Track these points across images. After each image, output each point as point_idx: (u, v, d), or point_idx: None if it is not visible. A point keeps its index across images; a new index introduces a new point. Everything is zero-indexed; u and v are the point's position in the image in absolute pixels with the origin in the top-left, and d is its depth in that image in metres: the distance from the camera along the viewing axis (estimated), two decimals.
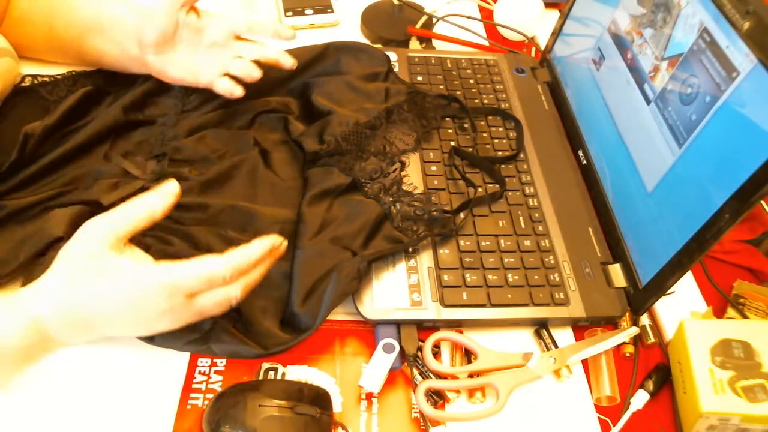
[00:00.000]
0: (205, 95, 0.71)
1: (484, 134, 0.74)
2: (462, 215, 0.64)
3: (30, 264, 0.55)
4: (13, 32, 0.71)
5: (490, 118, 0.76)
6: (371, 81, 0.75)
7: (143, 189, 0.62)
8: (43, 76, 0.72)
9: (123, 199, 0.59)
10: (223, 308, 0.49)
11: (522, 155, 0.72)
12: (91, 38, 0.70)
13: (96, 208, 0.59)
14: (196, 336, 0.52)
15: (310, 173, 0.65)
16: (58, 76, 0.72)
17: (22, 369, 0.47)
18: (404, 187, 0.65)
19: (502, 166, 0.70)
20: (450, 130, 0.74)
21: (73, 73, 0.73)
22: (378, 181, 0.64)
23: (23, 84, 0.71)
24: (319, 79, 0.74)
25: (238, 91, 0.69)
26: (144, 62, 0.69)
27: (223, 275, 0.47)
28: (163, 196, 0.49)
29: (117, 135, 0.67)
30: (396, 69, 0.80)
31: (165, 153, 0.65)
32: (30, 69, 0.73)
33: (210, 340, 0.53)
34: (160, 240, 0.58)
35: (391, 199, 0.63)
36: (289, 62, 0.70)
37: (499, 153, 0.72)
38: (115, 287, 0.46)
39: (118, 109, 0.67)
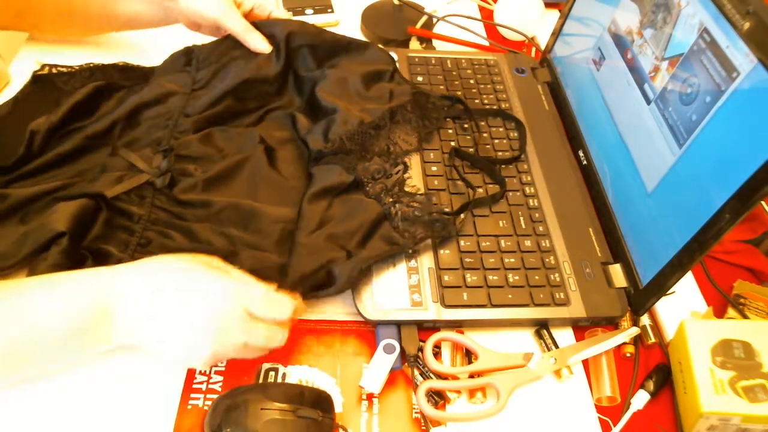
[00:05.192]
0: (214, 68, 0.72)
1: (485, 134, 0.74)
2: (462, 217, 0.63)
3: (33, 258, 0.55)
4: (35, 6, 0.72)
5: (490, 118, 0.76)
6: (376, 80, 0.75)
7: (148, 183, 0.62)
8: (60, 66, 0.73)
9: (127, 193, 0.60)
10: (263, 352, 0.52)
11: (522, 155, 0.72)
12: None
13: (100, 201, 0.59)
14: None
15: (314, 171, 0.65)
16: (76, 67, 0.73)
17: (70, 355, 0.48)
18: (406, 189, 0.65)
19: (503, 166, 0.70)
20: (450, 131, 0.74)
21: (91, 65, 0.74)
22: (380, 181, 0.64)
23: (41, 72, 0.72)
24: (324, 72, 0.74)
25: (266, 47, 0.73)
26: (176, 5, 0.71)
27: (284, 307, 0.50)
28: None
29: (126, 124, 0.68)
30: None
31: (172, 148, 0.65)
32: (49, 58, 0.75)
33: None
34: (161, 234, 0.59)
35: (391, 199, 0.63)
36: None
37: (500, 153, 0.72)
38: (191, 279, 0.48)
39: (127, 109, 0.68)
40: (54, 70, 0.73)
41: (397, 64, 0.81)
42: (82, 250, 0.56)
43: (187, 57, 0.74)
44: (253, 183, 0.64)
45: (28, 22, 0.73)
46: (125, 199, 0.60)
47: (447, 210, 0.64)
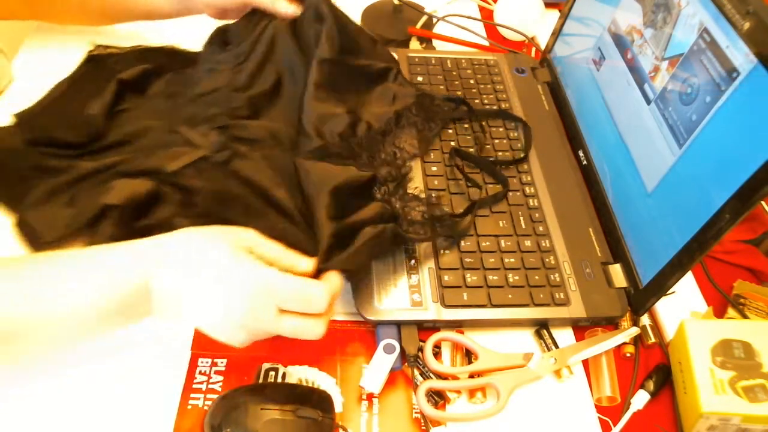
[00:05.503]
0: (251, 40, 0.73)
1: (485, 134, 0.74)
2: (469, 218, 0.63)
3: (84, 231, 0.56)
4: None
5: (490, 118, 0.76)
6: (382, 78, 0.74)
7: (204, 159, 0.62)
8: (111, 47, 0.75)
9: (184, 167, 0.61)
10: (296, 337, 0.50)
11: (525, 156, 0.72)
12: None
13: (157, 177, 0.60)
14: None
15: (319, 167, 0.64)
16: (127, 49, 0.75)
17: (113, 325, 0.47)
18: (409, 191, 0.64)
19: (502, 166, 0.70)
20: (450, 131, 0.74)
21: (140, 47, 0.76)
22: (387, 184, 0.64)
23: (94, 52, 0.74)
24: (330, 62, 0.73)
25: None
26: None
27: (317, 301, 0.49)
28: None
29: (184, 102, 0.69)
30: None
31: (227, 126, 0.66)
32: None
33: None
34: (218, 208, 0.59)
35: (400, 203, 0.63)
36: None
37: (500, 153, 0.72)
38: (224, 264, 0.47)
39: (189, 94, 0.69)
40: (105, 51, 0.75)
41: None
42: (140, 226, 0.56)
43: (223, 37, 0.75)
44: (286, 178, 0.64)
45: (39, 10, 0.73)
46: (184, 174, 0.61)
47: (449, 210, 0.64)
